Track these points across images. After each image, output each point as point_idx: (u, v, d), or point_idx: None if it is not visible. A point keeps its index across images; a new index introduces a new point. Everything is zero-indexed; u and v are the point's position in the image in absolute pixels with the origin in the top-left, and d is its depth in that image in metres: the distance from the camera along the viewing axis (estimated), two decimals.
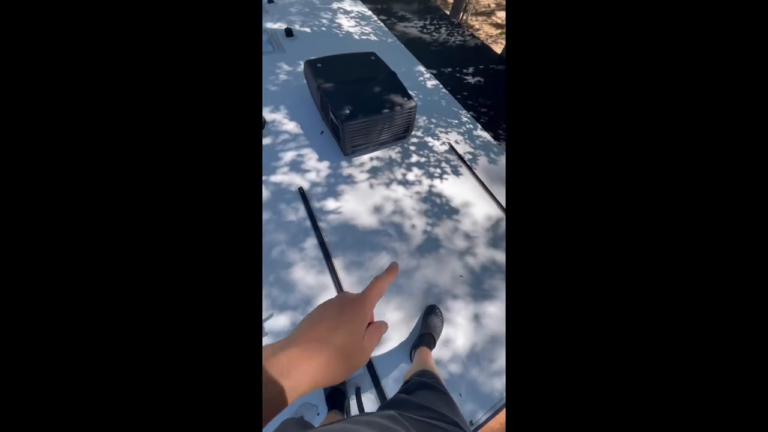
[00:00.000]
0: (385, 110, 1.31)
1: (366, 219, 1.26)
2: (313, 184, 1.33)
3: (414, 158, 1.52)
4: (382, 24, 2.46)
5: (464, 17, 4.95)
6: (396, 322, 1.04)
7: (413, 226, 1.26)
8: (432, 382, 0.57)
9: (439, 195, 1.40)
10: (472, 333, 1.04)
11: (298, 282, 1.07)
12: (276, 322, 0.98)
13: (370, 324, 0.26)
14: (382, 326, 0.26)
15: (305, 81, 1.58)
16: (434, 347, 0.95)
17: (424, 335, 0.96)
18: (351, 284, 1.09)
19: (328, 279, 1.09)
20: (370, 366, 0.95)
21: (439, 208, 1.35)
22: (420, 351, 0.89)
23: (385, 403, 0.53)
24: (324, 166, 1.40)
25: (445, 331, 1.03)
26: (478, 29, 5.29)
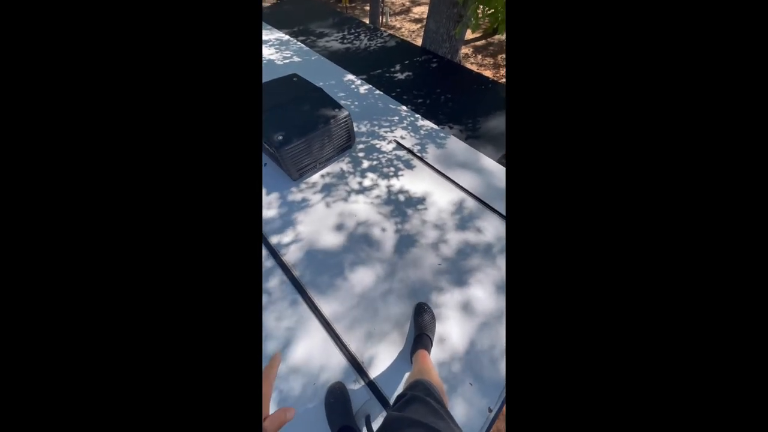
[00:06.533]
0: (320, 126, 1.29)
1: (332, 238, 1.21)
2: (268, 220, 1.26)
3: (365, 164, 1.51)
4: (302, 45, 2.47)
5: (383, 20, 5.16)
6: (389, 333, 0.99)
7: (383, 230, 1.24)
8: (422, 395, 0.54)
9: (400, 192, 1.39)
10: (465, 322, 1.02)
11: (276, 326, 0.99)
12: None
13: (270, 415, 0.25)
14: (286, 413, 0.25)
15: None
16: (432, 345, 0.92)
17: (419, 336, 0.92)
18: (333, 311, 1.03)
19: (307, 312, 1.02)
20: (376, 389, 0.89)
21: (402, 206, 1.33)
22: (417, 355, 0.86)
23: (380, 426, 0.49)
24: (275, 198, 1.34)
25: (439, 327, 1.00)
26: (399, 28, 5.54)
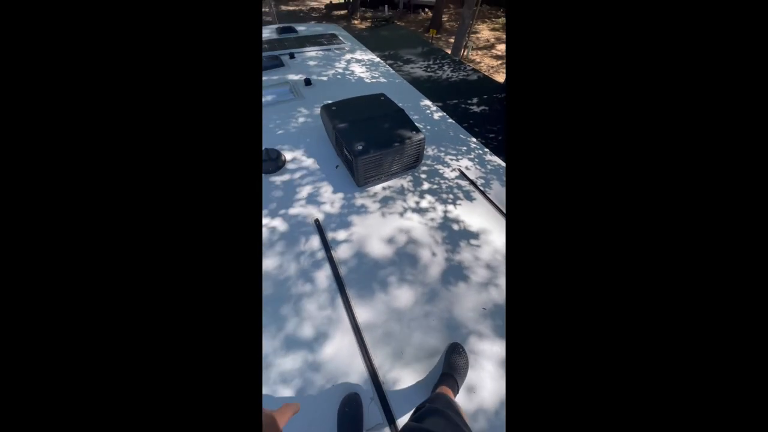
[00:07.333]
0: (396, 143, 1.39)
1: (381, 248, 1.25)
2: (329, 216, 1.38)
3: (426, 185, 1.55)
4: (389, 68, 2.72)
5: (465, 53, 5.36)
6: (416, 361, 0.96)
7: (433, 254, 1.23)
8: (442, 408, 0.50)
9: (455, 221, 1.38)
10: (501, 378, 0.93)
11: (313, 315, 1.05)
12: (285, 361, 0.95)
13: None
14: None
15: (322, 123, 1.73)
16: (458, 391, 0.86)
17: (445, 375, 0.87)
18: (365, 319, 1.05)
19: (342, 311, 1.06)
20: (389, 414, 0.86)
21: (456, 236, 1.31)
22: (439, 391, 0.81)
23: None
24: (338, 198, 1.46)
25: (471, 374, 0.92)
26: (479, 62, 5.67)
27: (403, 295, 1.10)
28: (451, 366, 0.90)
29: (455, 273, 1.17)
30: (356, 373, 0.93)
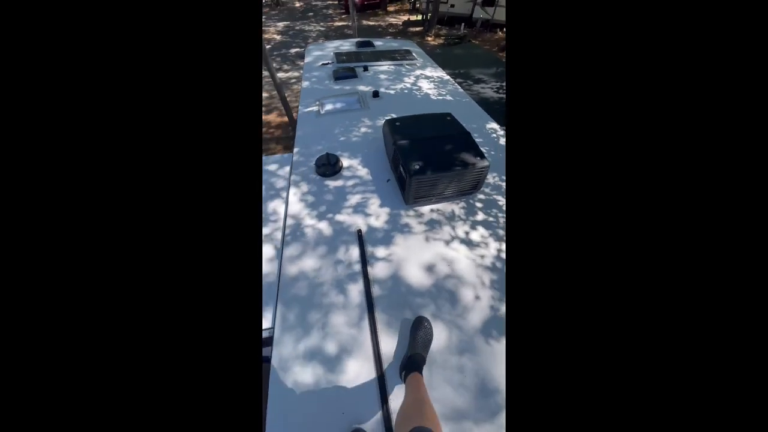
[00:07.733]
0: (456, 168, 1.30)
1: (419, 275, 1.17)
2: (372, 229, 1.36)
3: (480, 216, 1.40)
4: (458, 86, 2.65)
5: None
6: (441, 420, 0.83)
7: (477, 297, 1.09)
8: None
9: None
10: None
11: (338, 331, 1.02)
12: (303, 371, 0.93)
13: None
14: None
15: (382, 136, 1.76)
16: (424, 364, 0.87)
17: (414, 356, 0.85)
18: (390, 350, 0.97)
19: (367, 336, 1.00)
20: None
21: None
22: (412, 379, 0.79)
23: None
24: (384, 212, 1.43)
25: None
26: None
27: (436, 337, 0.99)
28: (418, 343, 0.89)
29: (500, 327, 1.01)
30: (369, 408, 0.86)
